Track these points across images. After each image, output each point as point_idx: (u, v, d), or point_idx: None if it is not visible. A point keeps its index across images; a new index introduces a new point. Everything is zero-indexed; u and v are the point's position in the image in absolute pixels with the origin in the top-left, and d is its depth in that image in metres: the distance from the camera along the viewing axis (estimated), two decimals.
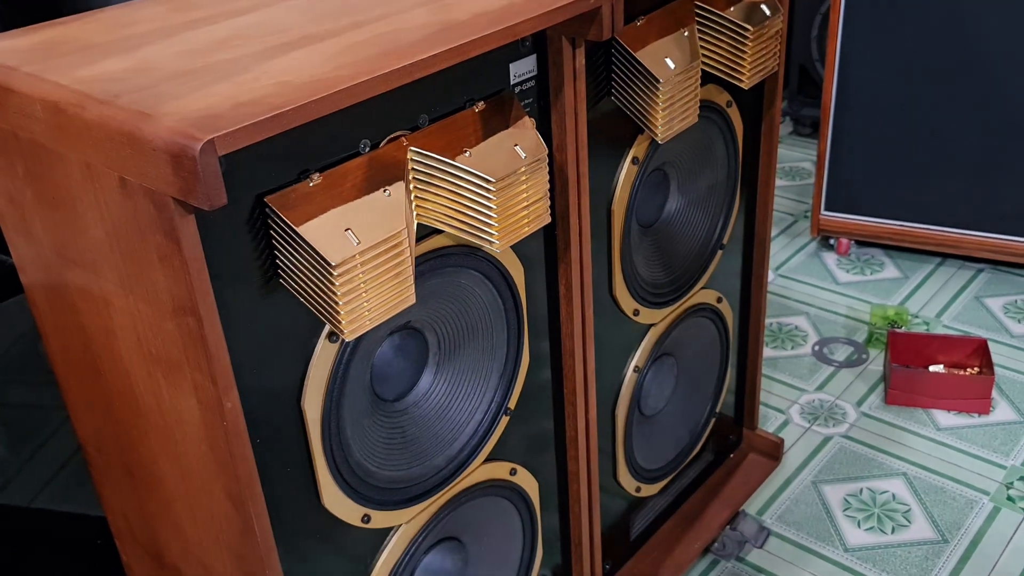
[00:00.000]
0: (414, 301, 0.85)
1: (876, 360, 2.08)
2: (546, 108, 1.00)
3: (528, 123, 0.93)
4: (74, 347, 0.93)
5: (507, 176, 0.89)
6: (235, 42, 0.82)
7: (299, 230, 0.76)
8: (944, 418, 1.89)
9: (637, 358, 1.30)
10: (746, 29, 1.16)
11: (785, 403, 1.96)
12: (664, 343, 1.33)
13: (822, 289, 2.32)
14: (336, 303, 0.78)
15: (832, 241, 2.47)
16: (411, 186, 0.86)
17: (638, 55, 1.04)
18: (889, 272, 2.38)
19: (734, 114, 1.30)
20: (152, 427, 0.89)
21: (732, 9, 1.17)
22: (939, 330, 2.15)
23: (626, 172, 1.15)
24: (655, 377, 1.36)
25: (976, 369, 1.97)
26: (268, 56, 0.78)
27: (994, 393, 1.94)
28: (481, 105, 0.91)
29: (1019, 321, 2.16)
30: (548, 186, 0.94)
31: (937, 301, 2.25)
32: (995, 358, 2.03)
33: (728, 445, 1.62)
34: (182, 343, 0.76)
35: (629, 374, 1.29)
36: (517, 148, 0.92)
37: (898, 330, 2.09)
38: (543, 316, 1.11)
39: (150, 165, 0.67)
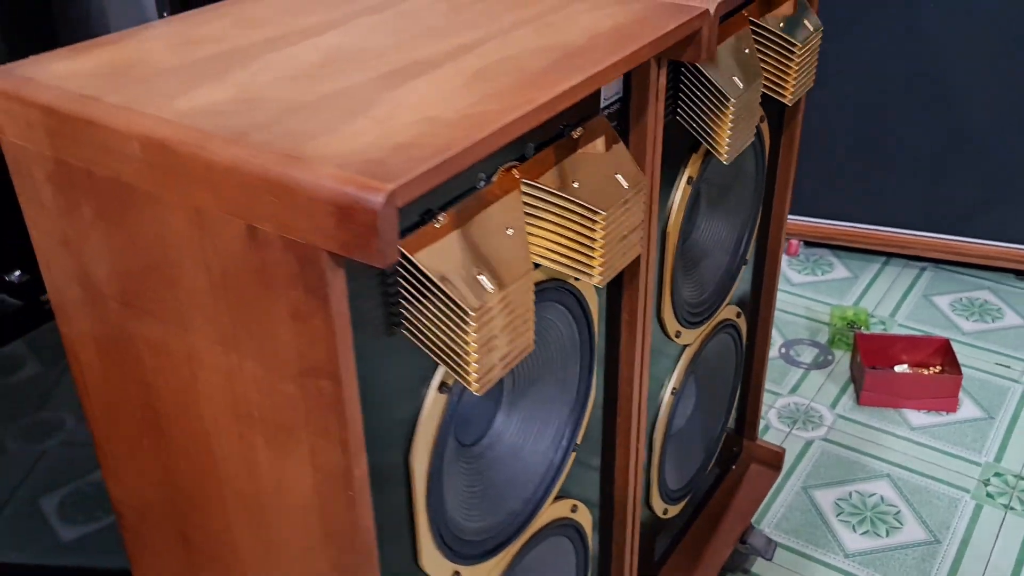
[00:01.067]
0: (533, 347, 0.79)
1: (842, 361, 2.11)
2: (625, 131, 0.95)
3: (622, 150, 0.88)
4: (128, 404, 0.83)
5: (613, 207, 0.83)
6: (336, 67, 0.74)
7: (433, 276, 0.68)
8: (915, 417, 1.94)
9: (674, 380, 1.26)
10: (793, 44, 1.14)
11: (762, 407, 1.97)
12: (696, 362, 1.30)
13: (780, 291, 2.34)
14: (467, 353, 0.72)
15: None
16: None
17: (708, 72, 1.00)
18: (839, 272, 2.42)
19: (765, 129, 1.28)
20: (232, 494, 0.80)
21: (781, 24, 1.14)
22: (895, 329, 2.21)
23: (681, 192, 1.11)
24: (684, 396, 1.33)
25: (939, 367, 2.02)
26: (386, 85, 0.70)
27: None
28: (579, 131, 0.85)
29: (968, 318, 2.24)
30: (644, 216, 0.89)
31: (889, 300, 2.31)
32: None
33: (730, 457, 1.61)
34: (304, 407, 0.68)
35: (667, 397, 1.26)
36: (619, 177, 0.86)
37: (861, 331, 2.13)
38: (601, 344, 1.06)
39: (302, 216, 0.59)
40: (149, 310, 0.74)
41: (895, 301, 2.30)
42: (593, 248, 0.84)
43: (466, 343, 0.71)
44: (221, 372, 0.72)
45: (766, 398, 2.00)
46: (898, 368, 2.02)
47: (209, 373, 0.73)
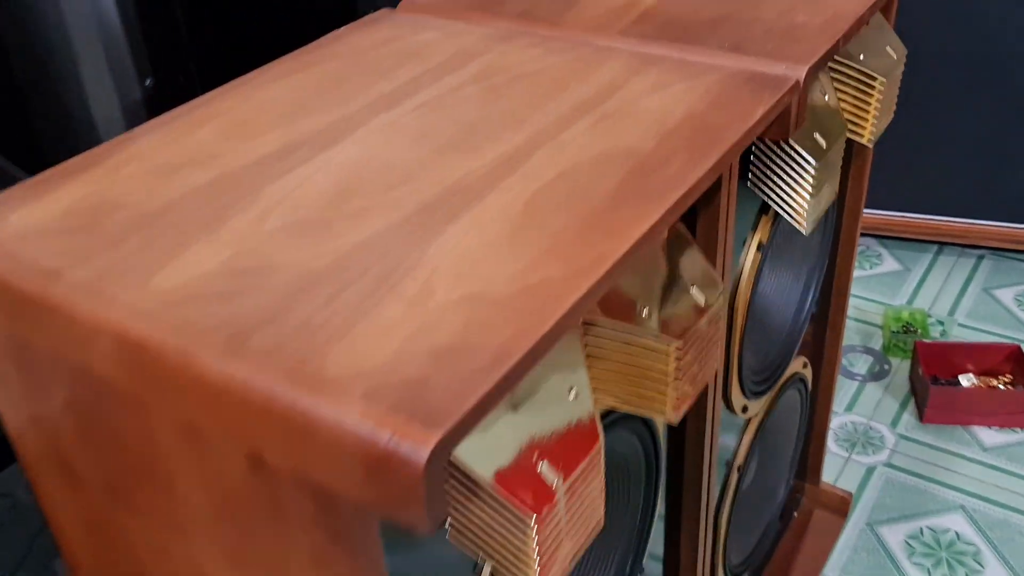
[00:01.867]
0: (603, 524, 0.65)
1: (899, 370, 1.97)
2: (691, 213, 0.80)
3: (696, 252, 0.74)
4: None
5: (689, 332, 0.69)
6: (354, 201, 0.59)
7: (488, 482, 0.55)
8: (987, 436, 1.80)
9: (740, 457, 1.13)
10: (873, 79, 0.98)
11: None
12: (763, 431, 1.17)
13: None
14: (527, 562, 0.58)
15: None
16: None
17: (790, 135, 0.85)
18: (888, 264, 2.27)
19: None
20: None
21: (861, 55, 0.98)
22: (956, 330, 2.06)
23: (751, 260, 0.96)
24: (749, 468, 1.20)
25: (1009, 376, 1.87)
26: (418, 232, 0.56)
27: None
28: None
29: None
30: (725, 332, 0.75)
31: (946, 296, 2.15)
32: None
33: (793, 503, 1.48)
34: None
35: (733, 477, 1.12)
36: (694, 291, 0.72)
37: (917, 334, 1.99)
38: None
39: (321, 458, 0.45)
40: (142, 511, 0.61)
41: (953, 296, 2.15)
42: (665, 382, 0.70)
43: (525, 553, 0.57)
44: None
45: None
46: (964, 379, 1.88)
47: None
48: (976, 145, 2.11)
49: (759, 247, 0.96)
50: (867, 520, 1.65)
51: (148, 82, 0.92)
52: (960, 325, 2.07)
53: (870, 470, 1.75)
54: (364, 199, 0.60)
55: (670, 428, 0.93)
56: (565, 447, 0.59)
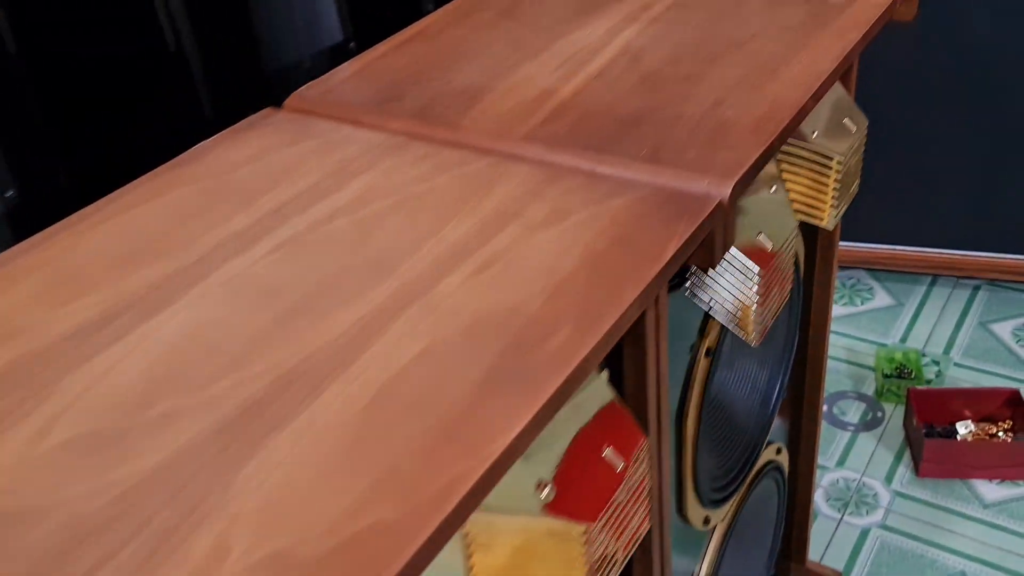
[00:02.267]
0: None
1: (893, 417, 1.85)
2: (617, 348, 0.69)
3: (619, 408, 0.62)
4: None
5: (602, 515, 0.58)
6: (163, 401, 0.49)
7: None
8: (987, 490, 1.68)
9: (704, 569, 1.02)
10: (829, 159, 0.87)
11: None
12: (730, 535, 1.06)
13: None
14: None
15: None
16: None
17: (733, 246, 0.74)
18: (881, 299, 2.15)
19: (798, 243, 1.01)
20: None
21: (814, 133, 0.87)
22: (952, 370, 1.94)
23: (701, 370, 0.85)
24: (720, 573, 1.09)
25: (1009, 423, 1.76)
26: (231, 452, 0.45)
27: None
28: None
29: None
30: (646, 491, 0.64)
31: (941, 332, 2.04)
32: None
33: None
34: None
35: None
36: (608, 453, 0.61)
37: (911, 377, 1.87)
38: None
39: None
40: None
41: (948, 332, 2.03)
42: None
43: None
44: None
45: None
46: (961, 427, 1.76)
47: None
48: (968, 174, 1.99)
49: (707, 352, 0.85)
50: None
51: (9, 193, 0.82)
52: (956, 365, 1.95)
53: (864, 533, 1.63)
54: (176, 396, 0.49)
55: None
56: None
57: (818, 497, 1.71)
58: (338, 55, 1.50)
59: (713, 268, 0.65)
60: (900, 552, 1.59)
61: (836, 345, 2.04)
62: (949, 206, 2.04)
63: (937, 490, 1.69)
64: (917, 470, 1.72)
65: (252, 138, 0.73)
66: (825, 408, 1.88)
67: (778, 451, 1.15)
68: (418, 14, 0.93)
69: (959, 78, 1.90)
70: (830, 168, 0.88)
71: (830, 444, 1.81)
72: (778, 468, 1.16)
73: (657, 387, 0.69)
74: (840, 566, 1.57)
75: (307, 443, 0.45)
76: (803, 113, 0.69)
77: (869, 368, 1.97)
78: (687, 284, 0.78)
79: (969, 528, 1.62)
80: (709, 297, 0.78)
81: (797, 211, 0.90)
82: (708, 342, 0.85)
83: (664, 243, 0.57)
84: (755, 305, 0.77)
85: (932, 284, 2.17)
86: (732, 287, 0.77)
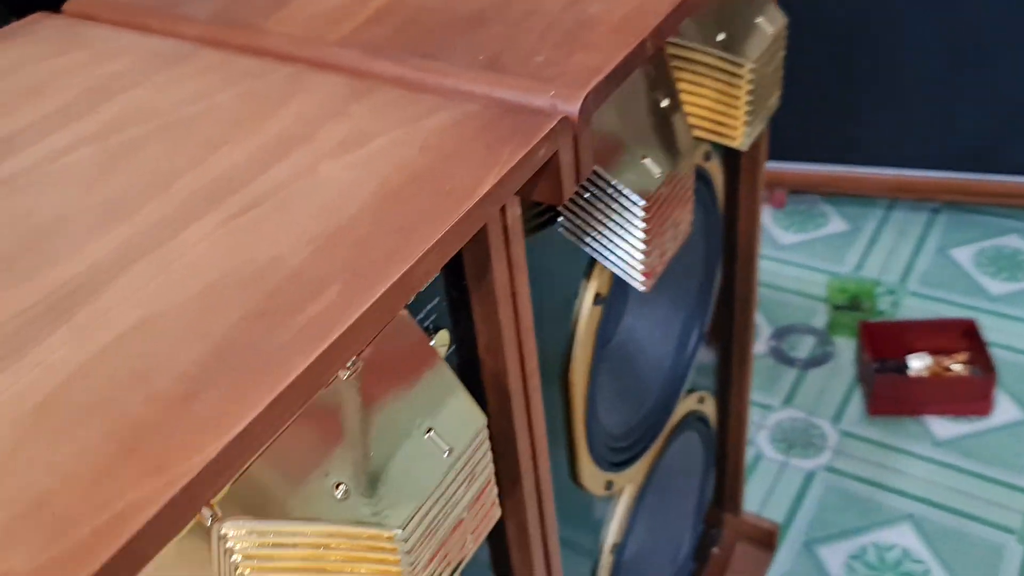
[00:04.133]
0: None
1: (844, 352, 1.75)
2: (461, 297, 0.57)
3: (437, 362, 0.50)
4: None
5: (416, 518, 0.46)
6: None
7: None
8: (940, 427, 1.59)
9: (614, 534, 0.91)
10: (740, 66, 0.74)
11: (751, 428, 1.62)
12: (644, 497, 0.95)
13: (765, 258, 1.97)
14: None
15: (764, 194, 2.10)
16: None
17: (608, 172, 0.61)
18: (835, 225, 2.04)
19: (714, 170, 0.88)
20: None
21: (719, 37, 0.73)
22: (907, 299, 1.84)
23: (587, 318, 0.73)
24: (634, 534, 0.98)
25: (965, 355, 1.66)
26: None
27: None
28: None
29: (995, 277, 1.86)
30: (492, 477, 0.52)
31: (898, 259, 1.93)
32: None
33: (710, 538, 1.27)
34: None
35: (605, 556, 0.91)
36: (431, 436, 0.48)
37: (864, 309, 1.77)
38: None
39: None
40: None
41: (905, 260, 1.92)
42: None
43: None
44: None
45: (755, 413, 1.64)
46: (914, 360, 1.66)
47: None
48: (928, 85, 1.86)
49: (597, 299, 0.73)
50: (805, 539, 1.44)
51: None
52: (913, 294, 1.85)
53: (809, 476, 1.54)
54: None
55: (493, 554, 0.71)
56: None
57: (762, 439, 1.61)
58: None
59: (562, 203, 0.52)
60: (846, 495, 1.50)
61: (786, 275, 1.93)
62: (905, 123, 1.91)
63: (887, 428, 1.60)
64: (868, 407, 1.62)
65: (10, 48, 0.59)
66: (773, 343, 1.78)
67: (700, 400, 1.04)
68: None
69: None
70: (740, 78, 0.75)
71: (776, 381, 1.71)
72: (701, 418, 1.05)
73: (519, 348, 0.57)
74: (783, 512, 1.48)
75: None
76: (685, 7, 0.56)
77: (821, 299, 1.86)
78: (559, 221, 0.65)
79: (919, 468, 1.53)
80: (587, 236, 0.66)
81: (704, 130, 0.77)
82: (597, 287, 0.73)
83: (481, 176, 0.43)
84: (641, 244, 0.64)
85: (890, 208, 2.06)
86: (613, 225, 0.64)
